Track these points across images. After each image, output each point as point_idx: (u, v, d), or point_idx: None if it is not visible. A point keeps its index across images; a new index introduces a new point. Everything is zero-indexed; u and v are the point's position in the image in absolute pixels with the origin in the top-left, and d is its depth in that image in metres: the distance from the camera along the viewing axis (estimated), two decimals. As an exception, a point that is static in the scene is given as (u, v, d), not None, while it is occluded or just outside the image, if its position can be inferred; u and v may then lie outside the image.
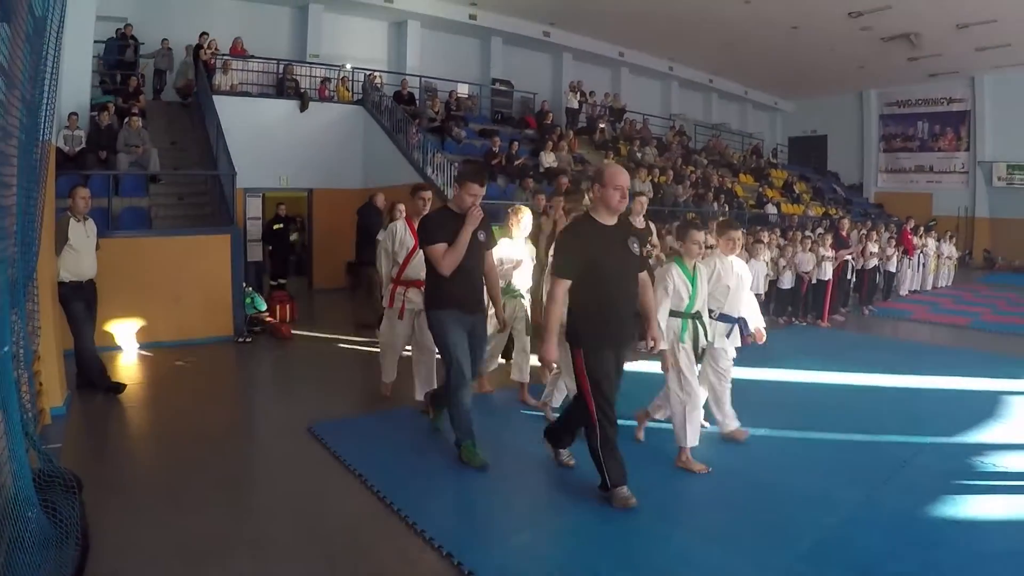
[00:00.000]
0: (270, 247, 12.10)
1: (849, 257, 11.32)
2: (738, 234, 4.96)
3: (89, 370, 6.07)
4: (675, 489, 4.16)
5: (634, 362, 4.58)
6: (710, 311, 4.69)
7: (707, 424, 4.91)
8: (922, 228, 15.79)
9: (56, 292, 5.75)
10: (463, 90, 17.20)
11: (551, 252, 5.21)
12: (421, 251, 4.56)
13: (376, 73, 15.48)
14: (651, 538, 3.51)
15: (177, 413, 5.71)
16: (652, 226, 7.78)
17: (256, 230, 12.39)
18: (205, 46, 13.22)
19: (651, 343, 3.95)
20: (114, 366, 6.93)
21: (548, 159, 14.66)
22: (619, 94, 21.43)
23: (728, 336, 4.82)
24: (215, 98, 11.64)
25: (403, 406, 5.68)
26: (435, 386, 5.41)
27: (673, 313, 4.45)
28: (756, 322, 4.99)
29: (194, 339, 8.04)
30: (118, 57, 12.88)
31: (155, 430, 5.39)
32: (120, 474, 4.37)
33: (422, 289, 4.93)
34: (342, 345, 8.40)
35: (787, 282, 10.38)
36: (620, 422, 3.92)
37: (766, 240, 10.34)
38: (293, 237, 12.23)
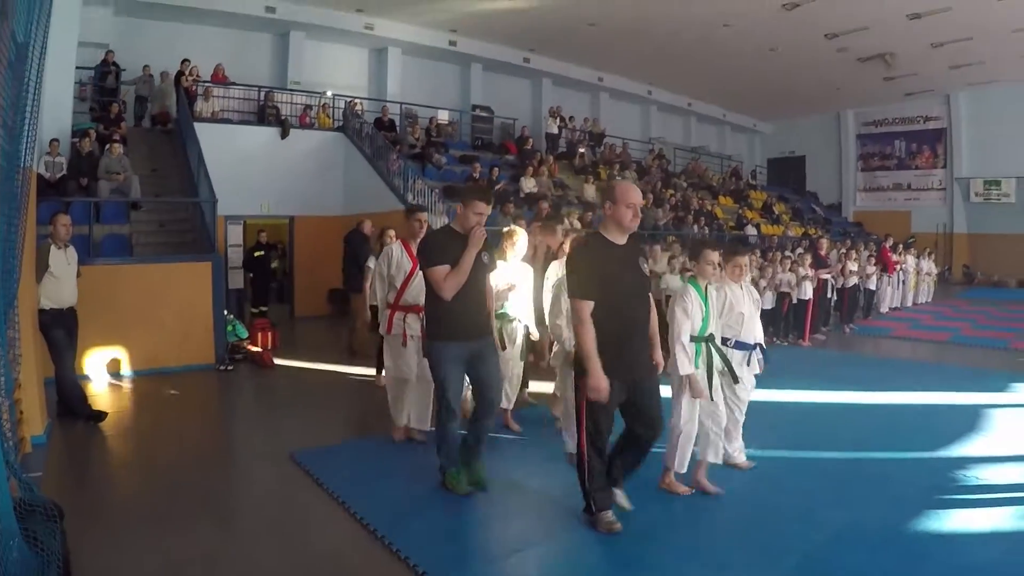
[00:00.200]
0: (251, 274, 12.03)
1: (829, 276, 11.43)
2: (744, 259, 4.69)
3: (70, 398, 5.99)
4: (659, 511, 4.12)
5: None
6: (724, 340, 4.46)
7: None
8: (901, 245, 15.99)
9: (37, 320, 5.69)
10: (443, 116, 17.32)
11: (546, 275, 5.22)
12: (420, 274, 4.39)
13: (357, 100, 15.57)
14: (637, 561, 3.49)
15: (158, 441, 5.65)
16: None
17: (237, 257, 12.34)
18: (186, 73, 13.24)
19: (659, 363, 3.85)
20: (95, 394, 6.84)
21: (528, 184, 14.76)
22: (599, 119, 21.64)
23: (747, 364, 4.61)
24: (196, 125, 11.58)
25: (385, 434, 5.50)
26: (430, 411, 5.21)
27: None
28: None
29: (175, 367, 7.97)
30: (99, 84, 12.86)
31: (136, 458, 5.32)
32: (101, 502, 4.31)
33: (420, 315, 4.76)
34: (324, 373, 8.34)
35: (768, 302, 10.44)
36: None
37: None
38: (274, 264, 12.17)
